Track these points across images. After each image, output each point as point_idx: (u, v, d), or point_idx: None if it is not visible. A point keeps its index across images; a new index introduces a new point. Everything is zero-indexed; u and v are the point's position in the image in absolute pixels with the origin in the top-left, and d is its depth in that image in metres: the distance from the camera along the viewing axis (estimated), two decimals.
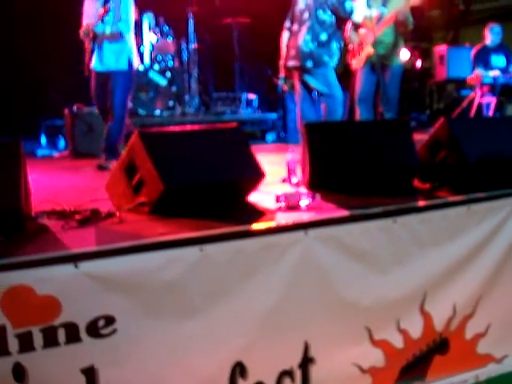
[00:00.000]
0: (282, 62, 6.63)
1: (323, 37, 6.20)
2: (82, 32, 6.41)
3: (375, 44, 6.63)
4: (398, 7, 6.56)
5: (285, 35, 6.57)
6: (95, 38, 6.40)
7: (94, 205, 3.73)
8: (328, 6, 6.16)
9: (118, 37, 6.43)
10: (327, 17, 6.19)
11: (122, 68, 6.46)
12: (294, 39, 6.40)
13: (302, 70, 6.32)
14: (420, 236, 3.58)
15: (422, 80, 12.57)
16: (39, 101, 9.07)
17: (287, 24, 6.58)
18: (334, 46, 6.26)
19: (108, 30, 6.39)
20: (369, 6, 6.61)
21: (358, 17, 6.27)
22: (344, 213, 3.42)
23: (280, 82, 8.11)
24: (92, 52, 6.42)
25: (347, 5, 6.12)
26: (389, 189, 3.99)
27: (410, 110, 12.02)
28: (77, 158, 7.37)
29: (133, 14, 6.60)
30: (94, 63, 6.48)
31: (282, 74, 6.75)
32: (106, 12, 6.31)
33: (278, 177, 4.62)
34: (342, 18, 6.20)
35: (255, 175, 3.78)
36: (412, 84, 12.41)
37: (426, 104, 12.51)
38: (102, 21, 6.36)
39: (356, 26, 6.92)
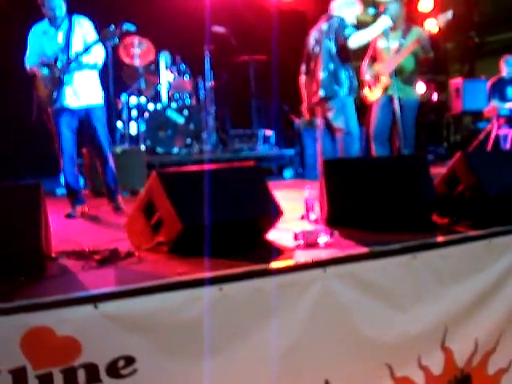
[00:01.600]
0: (304, 105, 6.71)
1: (331, 66, 6.28)
2: (39, 63, 5.90)
3: (391, 76, 6.66)
4: (416, 40, 6.61)
5: (302, 79, 6.67)
6: (64, 71, 5.82)
7: (113, 244, 3.76)
8: (333, 35, 6.24)
9: (90, 67, 6.03)
10: (333, 46, 6.27)
11: (100, 101, 6.14)
12: (312, 77, 6.48)
13: (322, 103, 6.38)
14: (440, 272, 3.55)
15: (438, 113, 12.60)
16: None
17: (303, 68, 6.67)
18: (343, 74, 6.31)
19: (79, 61, 5.90)
20: (387, 37, 6.66)
21: (353, 43, 6.25)
22: (363, 250, 3.40)
23: (300, 124, 8.20)
24: (59, 87, 5.83)
25: (347, 31, 6.19)
26: (407, 224, 3.98)
27: (427, 143, 12.03)
28: (95, 197, 7.41)
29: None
30: (66, 99, 5.90)
31: (306, 117, 6.83)
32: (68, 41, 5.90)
33: (296, 213, 4.62)
34: (342, 44, 6.24)
35: (273, 213, 3.79)
36: (429, 117, 12.44)
37: (444, 137, 12.51)
38: (68, 51, 5.88)
39: (373, 59, 6.97)
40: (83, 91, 5.98)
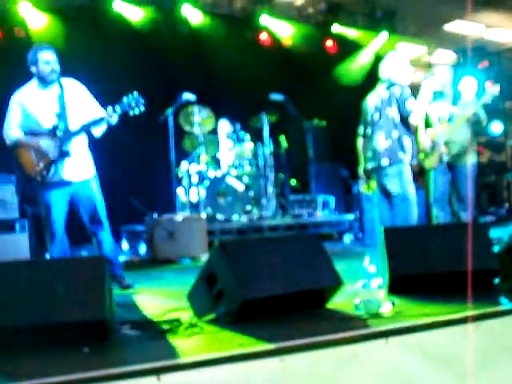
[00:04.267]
0: (361, 168, 6.74)
1: (395, 134, 6.27)
2: (33, 133, 5.36)
3: (447, 143, 6.65)
4: (470, 107, 6.61)
5: (359, 141, 6.71)
6: (64, 141, 5.35)
7: (175, 314, 3.81)
8: (395, 104, 6.26)
9: (85, 138, 5.63)
10: (396, 115, 6.28)
11: (94, 171, 5.68)
12: (369, 142, 6.51)
13: (379, 170, 6.38)
14: (504, 340, 3.49)
15: (498, 173, 12.47)
16: (120, 206, 9.35)
17: (360, 130, 6.71)
18: (407, 141, 6.30)
19: (75, 131, 5.43)
20: (439, 103, 6.68)
21: (415, 119, 6.27)
22: (425, 319, 3.37)
23: (360, 188, 8.20)
24: (58, 158, 5.34)
25: (407, 105, 6.19)
26: (470, 292, 3.93)
27: (488, 205, 11.89)
28: (157, 264, 7.50)
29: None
30: (63, 172, 5.42)
31: (362, 180, 6.85)
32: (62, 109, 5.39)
33: (357, 280, 4.61)
34: (405, 115, 6.26)
35: (333, 283, 3.81)
36: (489, 178, 12.33)
37: (504, 198, 12.36)
38: (65, 118, 5.40)
39: (427, 125, 6.98)
40: (81, 162, 5.54)
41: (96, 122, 5.45)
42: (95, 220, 5.58)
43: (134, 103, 5.42)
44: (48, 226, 5.45)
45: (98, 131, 5.62)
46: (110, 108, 5.40)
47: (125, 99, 5.42)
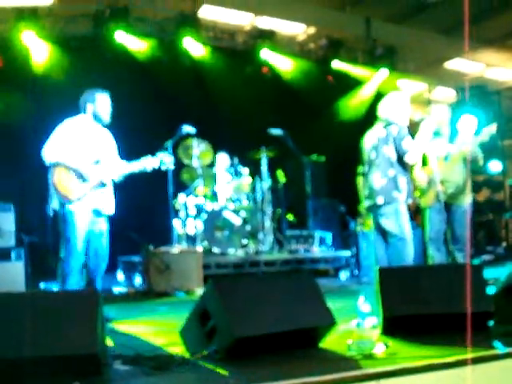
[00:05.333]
0: (361, 207, 6.76)
1: (390, 173, 6.29)
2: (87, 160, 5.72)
3: (443, 182, 6.67)
4: (467, 145, 6.63)
5: (360, 180, 6.73)
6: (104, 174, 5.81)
7: (168, 349, 3.80)
8: (392, 143, 6.28)
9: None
10: (392, 153, 6.29)
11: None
12: (366, 180, 6.53)
13: (375, 208, 6.39)
14: None
15: (496, 212, 12.48)
16: (117, 237, 9.34)
17: (360, 169, 6.73)
18: (402, 181, 6.31)
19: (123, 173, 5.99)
20: (435, 142, 6.72)
21: (412, 159, 6.28)
22: (418, 362, 3.36)
23: (357, 226, 8.22)
24: (96, 186, 5.72)
25: (404, 144, 6.21)
26: (464, 334, 3.92)
27: (485, 244, 11.88)
28: (152, 297, 7.47)
29: None
30: (96, 201, 5.78)
31: (360, 217, 6.85)
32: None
33: (351, 318, 4.59)
34: (401, 155, 6.28)
35: (326, 323, 3.80)
36: (486, 217, 12.34)
37: (502, 237, 12.36)
38: (107, 155, 5.93)
39: (424, 163, 7.00)
40: (110, 198, 5.96)
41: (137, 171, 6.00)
42: (100, 256, 5.83)
43: (168, 160, 6.04)
44: (69, 247, 5.62)
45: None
46: (149, 159, 5.98)
47: (160, 156, 6.03)
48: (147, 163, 5.98)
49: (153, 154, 6.05)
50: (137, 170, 5.99)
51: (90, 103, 5.93)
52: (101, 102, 5.95)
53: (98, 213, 5.81)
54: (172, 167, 6.19)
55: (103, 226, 5.89)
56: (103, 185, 5.81)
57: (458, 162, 6.79)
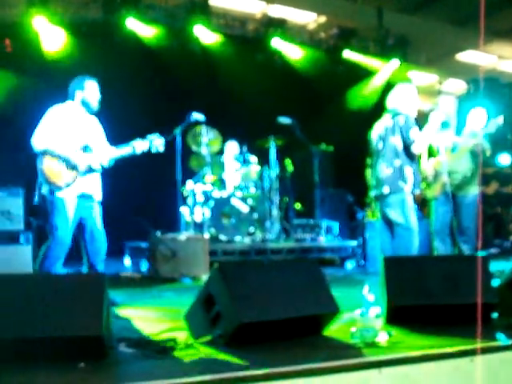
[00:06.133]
0: (368, 196, 6.77)
1: (396, 163, 6.28)
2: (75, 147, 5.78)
3: (450, 173, 6.66)
4: (473, 137, 6.62)
5: (368, 172, 6.73)
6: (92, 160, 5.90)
7: (172, 333, 3.82)
8: (399, 133, 6.27)
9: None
10: (398, 143, 6.29)
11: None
12: (373, 170, 6.53)
13: (381, 198, 6.39)
14: (499, 377, 3.48)
15: (505, 205, 12.45)
16: (124, 223, 9.40)
17: (369, 161, 6.73)
18: (408, 171, 6.30)
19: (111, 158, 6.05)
20: (443, 133, 6.71)
21: (418, 149, 6.26)
22: (419, 351, 3.37)
23: (363, 215, 8.20)
24: (85, 172, 5.83)
25: (410, 134, 6.20)
26: (467, 325, 3.93)
27: (493, 237, 11.86)
28: (158, 282, 7.50)
29: None
30: (86, 186, 5.87)
31: (368, 207, 6.85)
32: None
33: (355, 308, 4.61)
34: (408, 145, 6.26)
35: (330, 311, 3.82)
36: (494, 210, 12.31)
37: (510, 230, 12.33)
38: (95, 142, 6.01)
39: (431, 155, 6.99)
40: (98, 183, 6.04)
41: (126, 154, 6.05)
42: (96, 240, 5.90)
43: (158, 143, 6.12)
44: (56, 234, 5.67)
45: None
46: (139, 142, 6.05)
47: (151, 138, 6.11)
48: (136, 146, 6.04)
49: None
50: (126, 154, 6.05)
51: (79, 90, 5.99)
52: (90, 90, 6.01)
53: (87, 198, 5.89)
54: (162, 149, 6.19)
55: (95, 210, 5.96)
56: (92, 170, 5.88)
57: (465, 154, 6.79)
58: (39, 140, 5.71)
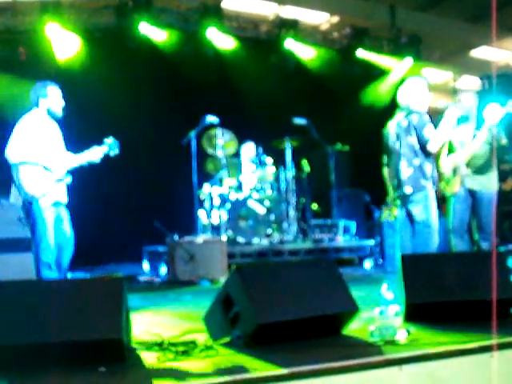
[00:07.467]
0: (389, 197, 6.72)
1: (416, 161, 6.24)
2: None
3: (468, 164, 6.62)
4: (490, 129, 6.57)
5: (385, 171, 6.68)
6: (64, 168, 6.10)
7: (191, 336, 3.83)
8: (414, 132, 6.23)
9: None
10: (416, 142, 6.25)
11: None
12: (392, 171, 6.49)
13: (405, 198, 6.35)
14: None
15: None
16: (142, 227, 9.44)
17: (384, 160, 6.69)
18: (428, 168, 6.26)
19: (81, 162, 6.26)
20: (461, 129, 6.67)
21: (433, 147, 6.21)
22: (439, 348, 3.36)
23: (382, 216, 8.15)
24: (58, 180, 6.04)
25: (425, 133, 6.15)
26: (486, 321, 3.91)
27: (510, 234, 11.76)
28: (176, 286, 7.53)
29: None
30: (59, 194, 6.09)
31: (387, 208, 6.81)
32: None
33: (374, 307, 4.59)
34: (423, 143, 6.22)
35: (349, 310, 3.81)
36: (511, 206, 12.22)
37: None
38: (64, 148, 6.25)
39: (450, 151, 6.95)
40: (64, 188, 6.14)
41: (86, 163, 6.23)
42: (68, 240, 6.09)
43: (114, 146, 6.25)
44: (42, 242, 5.84)
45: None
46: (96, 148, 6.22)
47: (107, 142, 6.24)
48: (95, 153, 6.18)
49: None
50: (85, 163, 6.20)
51: (42, 98, 6.07)
52: (53, 96, 6.11)
53: (57, 203, 6.02)
54: (117, 152, 6.30)
55: (63, 213, 6.09)
56: (66, 177, 6.07)
57: (482, 145, 6.73)
58: (14, 152, 5.81)
